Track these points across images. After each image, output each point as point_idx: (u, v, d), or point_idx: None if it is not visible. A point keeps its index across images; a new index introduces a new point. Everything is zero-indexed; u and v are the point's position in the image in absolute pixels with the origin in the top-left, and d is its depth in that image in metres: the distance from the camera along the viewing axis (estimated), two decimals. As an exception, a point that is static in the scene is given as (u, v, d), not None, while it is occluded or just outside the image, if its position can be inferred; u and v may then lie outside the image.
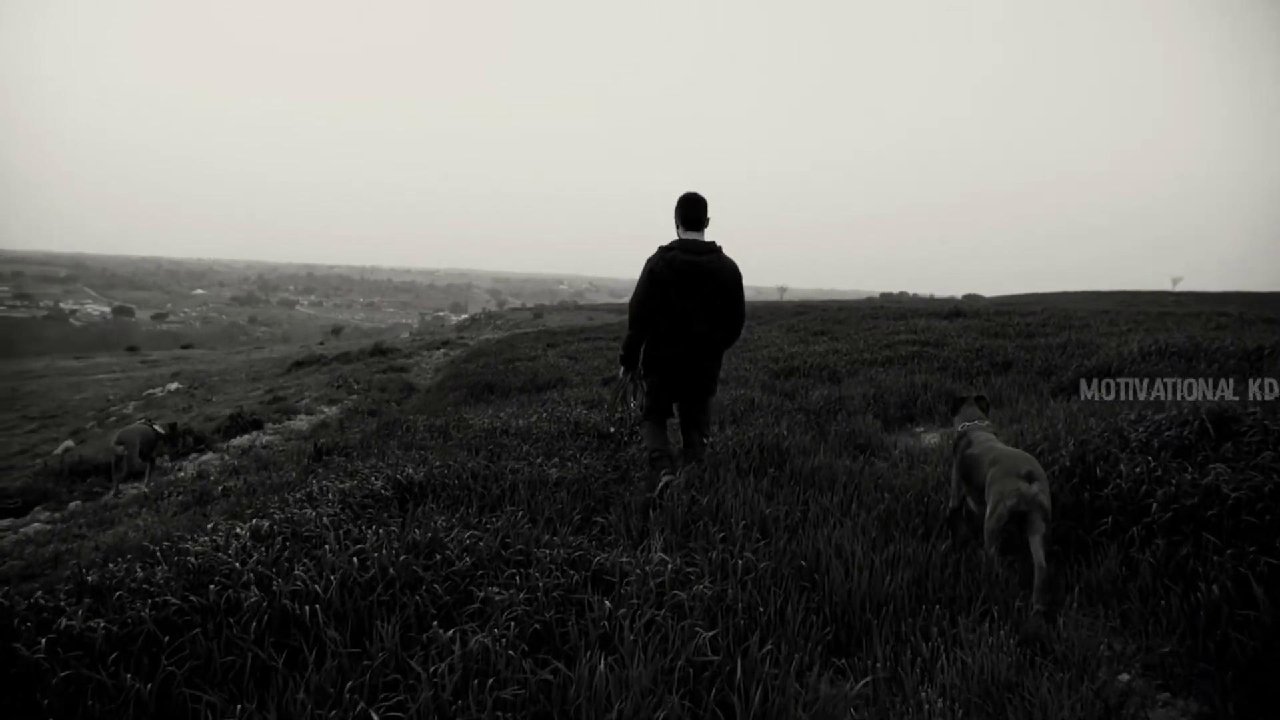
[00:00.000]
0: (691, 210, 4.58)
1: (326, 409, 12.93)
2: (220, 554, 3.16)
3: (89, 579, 3.02)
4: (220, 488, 6.41)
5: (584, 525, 4.12)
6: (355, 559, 3.06)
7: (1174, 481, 3.73)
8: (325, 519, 3.65)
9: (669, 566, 3.11)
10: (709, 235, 4.67)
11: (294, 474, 6.06)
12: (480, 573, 3.19)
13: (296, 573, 2.91)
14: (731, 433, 6.18)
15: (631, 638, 2.62)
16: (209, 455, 8.93)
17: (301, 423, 11.70)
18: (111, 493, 7.94)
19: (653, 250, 4.62)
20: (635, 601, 2.84)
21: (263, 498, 5.01)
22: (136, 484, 7.78)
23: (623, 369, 4.87)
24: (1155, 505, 3.64)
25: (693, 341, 4.60)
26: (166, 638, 2.56)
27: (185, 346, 49.56)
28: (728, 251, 4.63)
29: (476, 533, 3.62)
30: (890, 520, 4.24)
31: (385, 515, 3.99)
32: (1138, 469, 4.00)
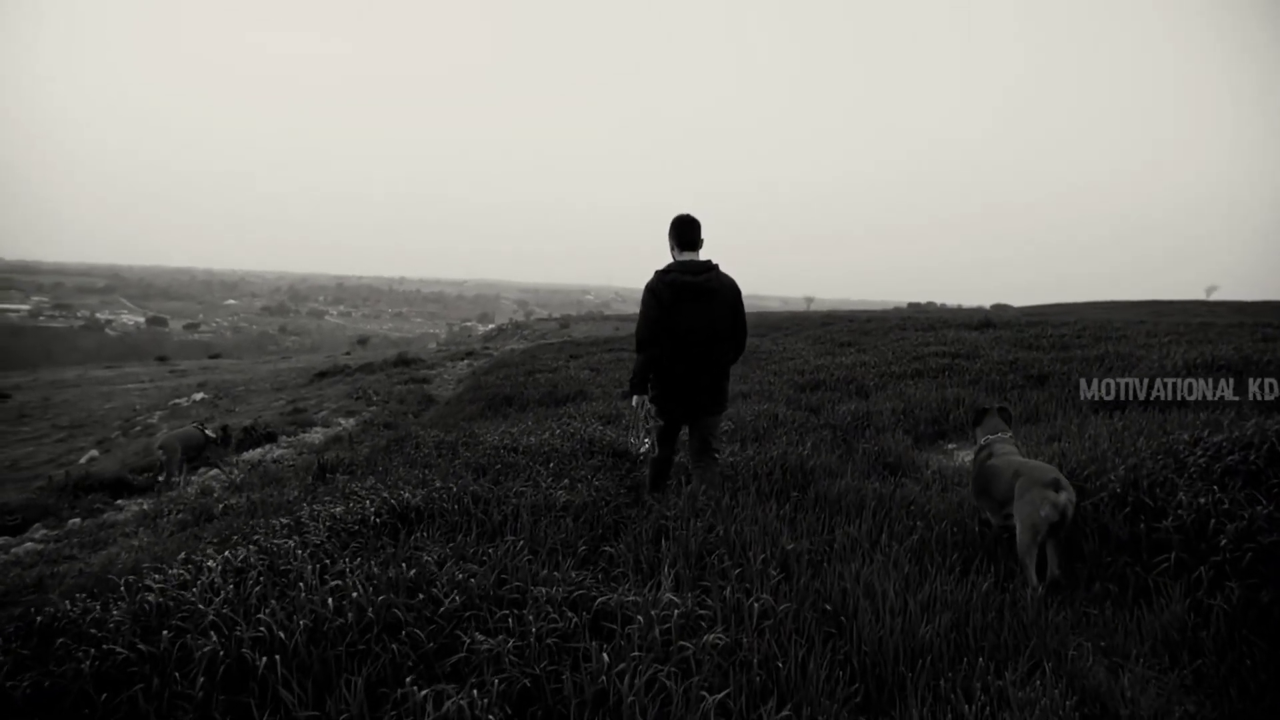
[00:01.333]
0: (686, 231, 4.63)
1: (343, 421, 12.76)
2: (185, 592, 2.87)
3: (38, 619, 2.74)
4: (221, 506, 6.20)
5: (591, 556, 3.80)
6: (330, 600, 2.76)
7: (1245, 515, 3.33)
8: (306, 551, 3.36)
9: (677, 611, 2.77)
10: (704, 254, 4.69)
11: (295, 493, 5.81)
12: (470, 614, 2.88)
13: (261, 616, 2.62)
14: (753, 451, 5.85)
15: (631, 699, 2.30)
16: (216, 470, 8.77)
17: (316, 435, 11.52)
18: (157, 493, 8.00)
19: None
20: (637, 654, 2.50)
21: (255, 519, 4.75)
22: (139, 500, 7.63)
23: (634, 397, 4.79)
24: (1226, 542, 3.25)
25: (697, 360, 4.60)
26: (104, 695, 2.28)
27: (214, 356, 50.03)
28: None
29: (473, 565, 3.33)
30: (924, 552, 3.88)
31: (378, 544, 3.71)
32: (1201, 500, 3.59)
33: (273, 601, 2.72)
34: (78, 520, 6.89)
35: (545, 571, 3.27)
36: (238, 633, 2.53)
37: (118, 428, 21.09)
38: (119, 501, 7.71)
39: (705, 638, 2.61)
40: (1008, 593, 3.33)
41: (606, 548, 3.85)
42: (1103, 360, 9.92)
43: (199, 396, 24.52)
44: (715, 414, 4.79)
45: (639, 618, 2.71)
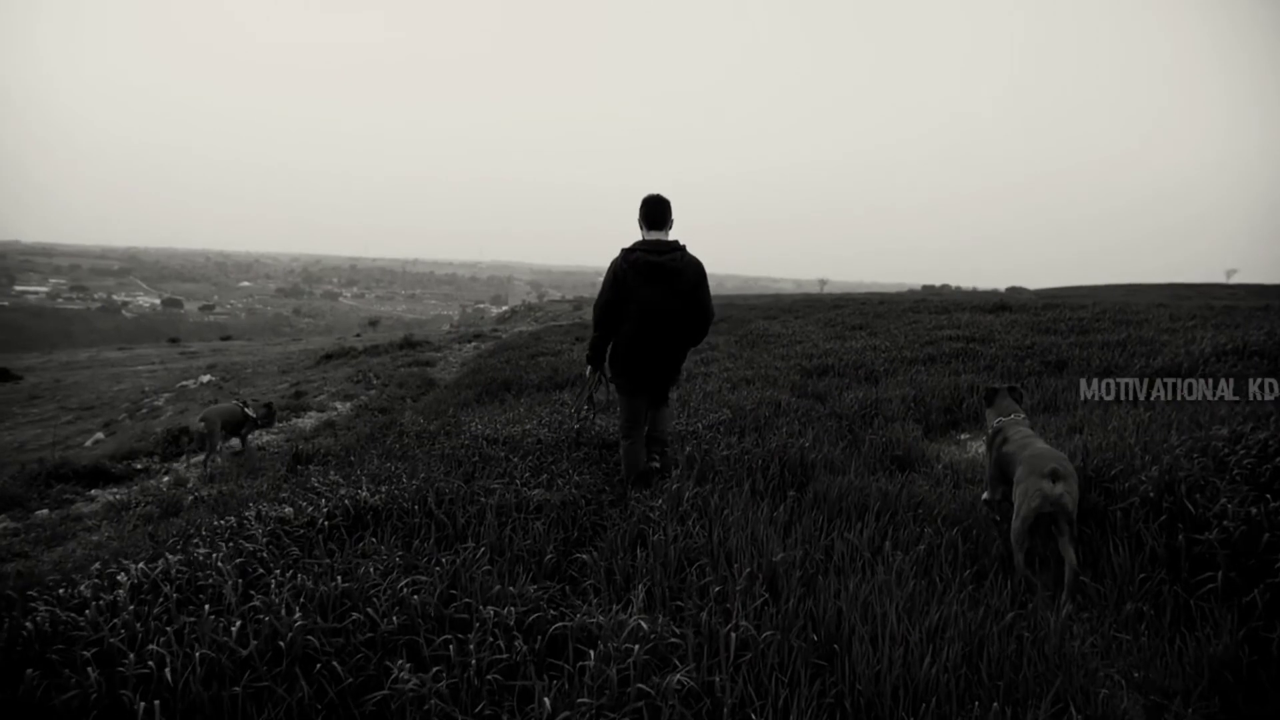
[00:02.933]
0: (654, 210, 4.63)
1: (339, 405, 12.44)
2: (79, 615, 2.50)
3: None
4: (191, 498, 5.88)
5: (562, 563, 3.42)
6: (235, 626, 2.38)
7: (1306, 529, 2.90)
8: (233, 563, 2.97)
9: (638, 649, 2.36)
10: (673, 234, 4.69)
11: (265, 485, 5.48)
12: (405, 639, 2.51)
13: (152, 646, 2.25)
14: (751, 443, 5.43)
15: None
16: (200, 455, 8.48)
17: (309, 420, 11.20)
18: (185, 467, 8.09)
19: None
20: (587, 700, 2.11)
21: (214, 516, 4.41)
22: (113, 489, 7.35)
23: (589, 368, 4.91)
24: (1284, 561, 2.82)
25: (658, 340, 4.59)
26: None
27: (225, 338, 50.00)
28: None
29: (423, 577, 2.96)
30: (932, 562, 3.47)
31: (326, 550, 3.34)
32: (1252, 509, 3.16)
33: (168, 629, 2.34)
34: (45, 511, 6.60)
35: (500, 586, 2.88)
36: (121, 669, 2.16)
37: (125, 410, 20.94)
38: (92, 491, 7.42)
39: (670, 679, 2.22)
40: (1027, 616, 2.91)
41: (580, 554, 3.47)
42: (1124, 345, 9.41)
43: (206, 379, 24.34)
44: (670, 390, 4.93)
45: (591, 652, 2.31)
